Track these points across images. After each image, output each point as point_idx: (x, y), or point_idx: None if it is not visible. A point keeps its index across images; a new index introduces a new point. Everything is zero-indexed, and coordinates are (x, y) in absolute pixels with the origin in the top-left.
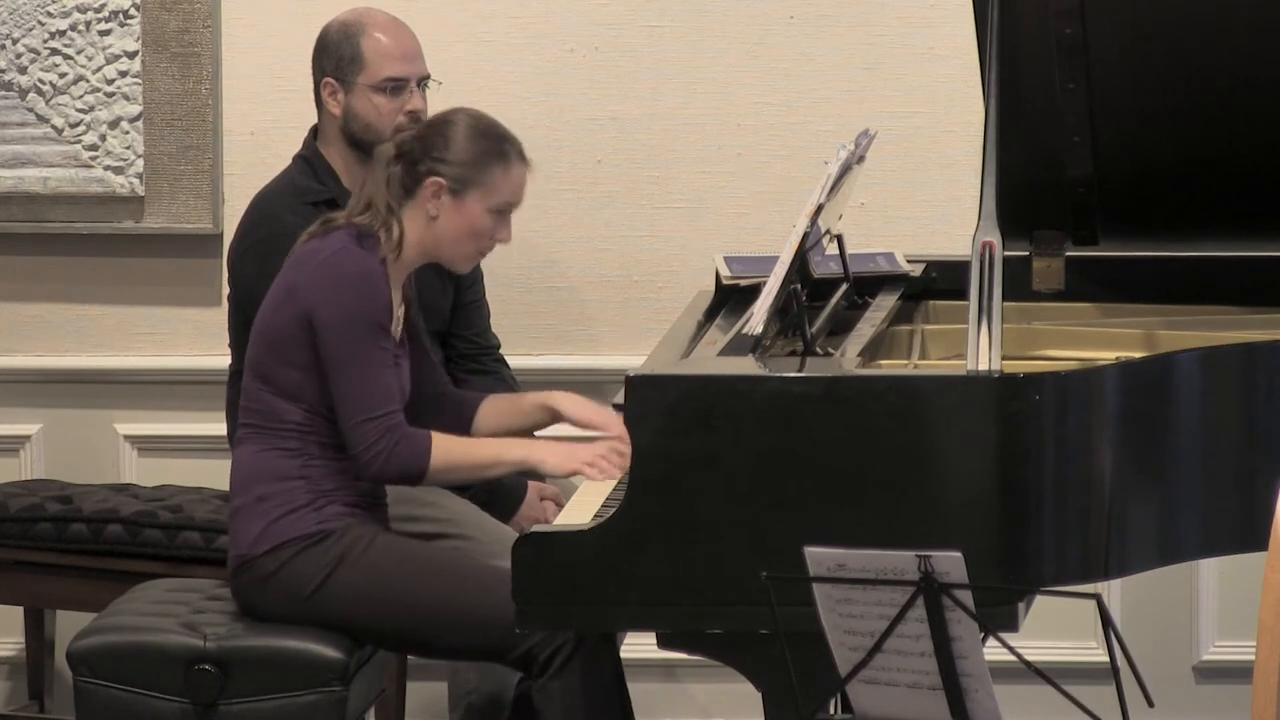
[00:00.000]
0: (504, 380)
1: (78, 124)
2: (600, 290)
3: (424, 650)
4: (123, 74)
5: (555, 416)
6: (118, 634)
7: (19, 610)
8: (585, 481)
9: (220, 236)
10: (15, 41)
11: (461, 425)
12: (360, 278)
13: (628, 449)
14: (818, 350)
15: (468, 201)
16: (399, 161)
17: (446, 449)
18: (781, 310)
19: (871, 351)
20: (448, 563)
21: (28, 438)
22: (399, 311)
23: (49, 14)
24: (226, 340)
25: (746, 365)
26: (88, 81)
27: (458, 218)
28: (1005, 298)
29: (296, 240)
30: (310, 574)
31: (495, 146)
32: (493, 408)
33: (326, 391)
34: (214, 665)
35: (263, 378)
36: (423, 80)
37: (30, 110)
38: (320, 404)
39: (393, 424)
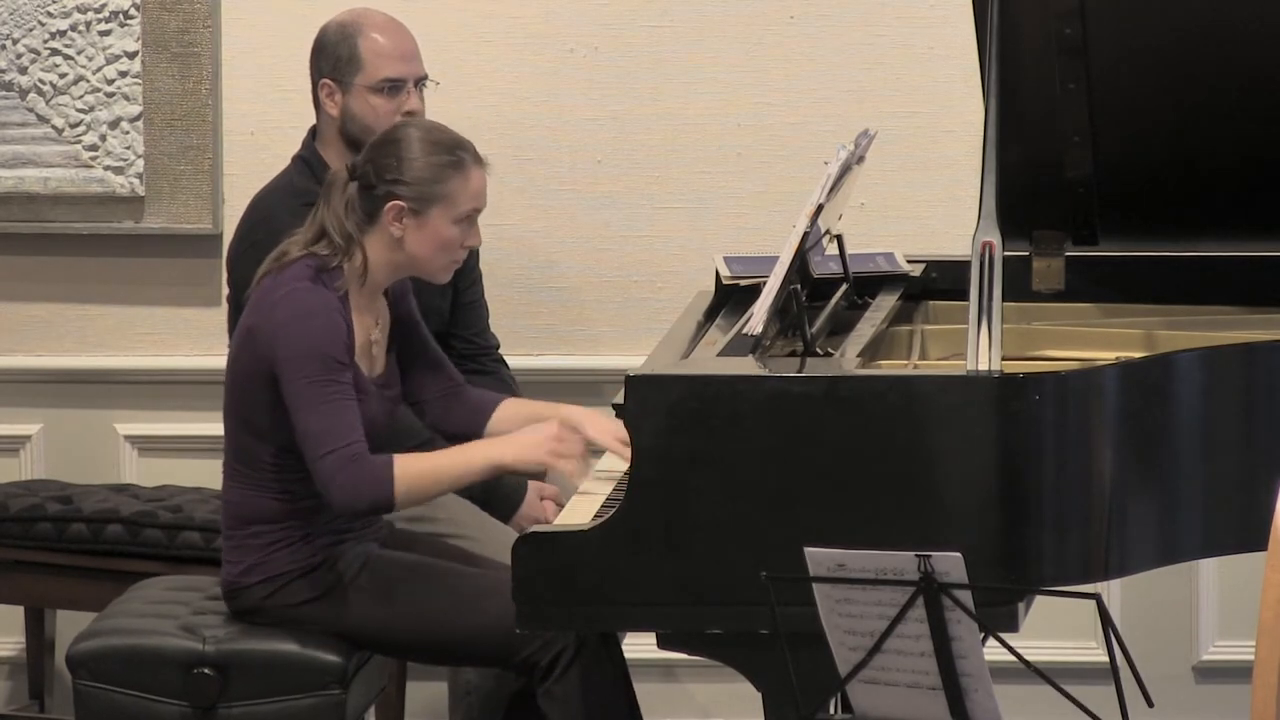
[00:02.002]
0: (503, 380)
1: (78, 124)
2: (600, 290)
3: (422, 660)
4: (123, 74)
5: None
6: (117, 637)
7: (19, 610)
8: (585, 481)
9: (220, 236)
10: (15, 41)
11: (476, 425)
12: (311, 314)
13: (573, 434)
14: (818, 350)
15: (431, 218)
16: (353, 187)
17: (409, 470)
18: (781, 310)
19: (871, 351)
20: (441, 577)
21: (28, 438)
22: (375, 335)
23: (49, 14)
24: (226, 340)
25: (746, 365)
26: (88, 81)
27: (424, 235)
28: (1005, 298)
29: None
30: (302, 601)
31: (449, 157)
32: (510, 412)
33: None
34: (213, 669)
35: (236, 417)
36: (420, 81)
37: (30, 110)
38: (290, 442)
39: (353, 454)
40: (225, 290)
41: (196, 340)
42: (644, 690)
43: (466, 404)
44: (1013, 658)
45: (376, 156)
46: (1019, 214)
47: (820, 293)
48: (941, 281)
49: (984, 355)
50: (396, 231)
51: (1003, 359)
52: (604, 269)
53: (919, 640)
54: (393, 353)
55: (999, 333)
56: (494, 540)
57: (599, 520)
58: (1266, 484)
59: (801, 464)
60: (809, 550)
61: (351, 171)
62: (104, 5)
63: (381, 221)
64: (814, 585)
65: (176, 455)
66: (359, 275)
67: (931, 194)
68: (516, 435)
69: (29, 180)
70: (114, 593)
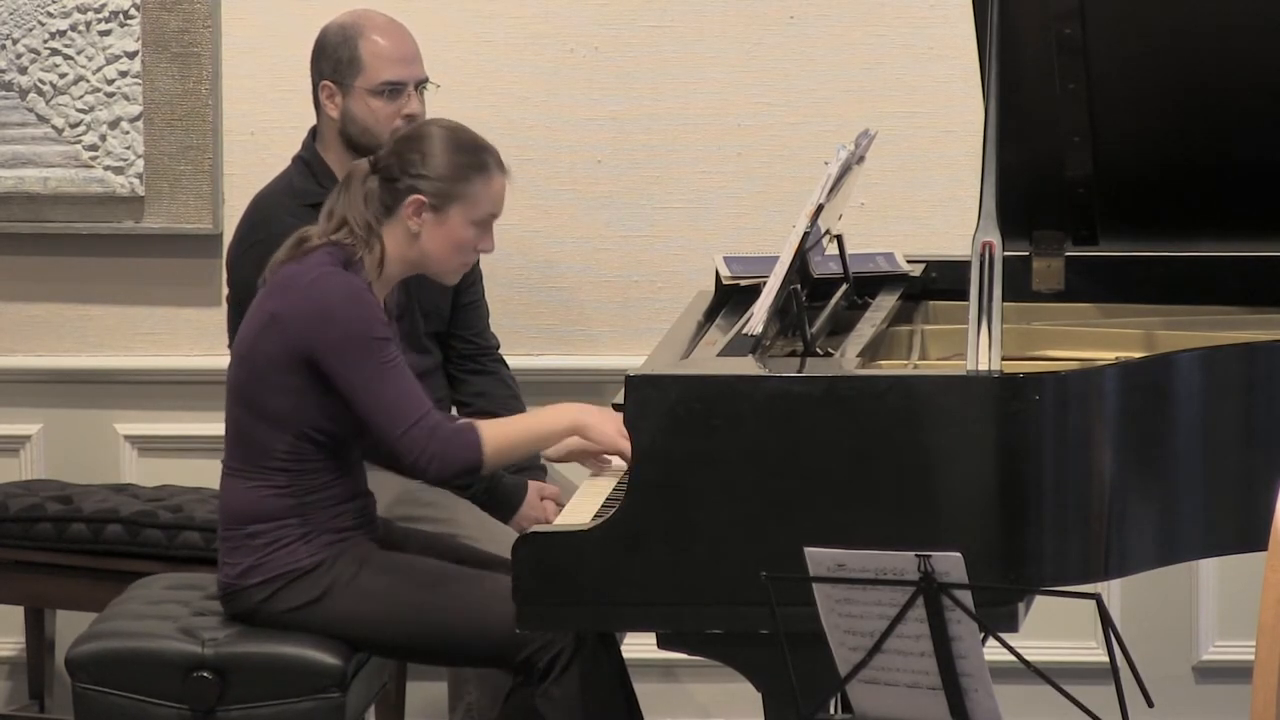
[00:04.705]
0: (503, 380)
1: (78, 124)
2: (600, 291)
3: (422, 660)
4: (123, 74)
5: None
6: (116, 640)
7: (19, 610)
8: (585, 481)
9: (220, 236)
10: (15, 41)
11: None
12: (349, 297)
13: None
14: (818, 350)
15: (450, 216)
16: (375, 179)
17: (494, 432)
18: (781, 310)
19: (871, 351)
20: (439, 577)
21: (28, 438)
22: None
23: (49, 14)
24: (226, 340)
25: (746, 365)
26: (88, 81)
27: (441, 233)
28: (1005, 298)
29: None
30: (300, 602)
31: (474, 159)
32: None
33: (314, 416)
34: (212, 672)
35: (247, 404)
36: (420, 84)
37: (30, 110)
38: (308, 428)
39: (433, 424)
40: (225, 290)
41: (196, 340)
42: (644, 690)
43: None
44: (1013, 658)
45: (402, 150)
46: (1019, 214)
47: (820, 293)
48: (941, 281)
49: (984, 355)
50: (414, 226)
51: (1003, 359)
52: (604, 269)
53: (919, 640)
54: None
55: (999, 333)
56: (494, 540)
57: (599, 520)
58: (1266, 484)
59: (801, 464)
60: (809, 550)
61: (374, 164)
62: (104, 5)
63: (400, 215)
64: (814, 585)
65: (176, 455)
66: (376, 267)
67: (931, 194)
68: (607, 414)
69: (29, 180)
70: (114, 593)
